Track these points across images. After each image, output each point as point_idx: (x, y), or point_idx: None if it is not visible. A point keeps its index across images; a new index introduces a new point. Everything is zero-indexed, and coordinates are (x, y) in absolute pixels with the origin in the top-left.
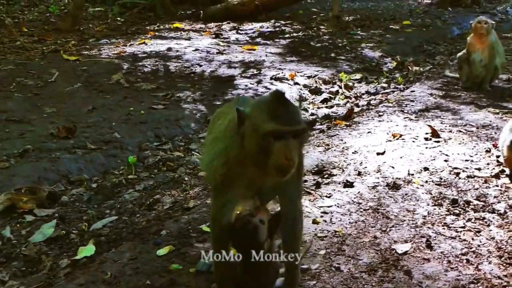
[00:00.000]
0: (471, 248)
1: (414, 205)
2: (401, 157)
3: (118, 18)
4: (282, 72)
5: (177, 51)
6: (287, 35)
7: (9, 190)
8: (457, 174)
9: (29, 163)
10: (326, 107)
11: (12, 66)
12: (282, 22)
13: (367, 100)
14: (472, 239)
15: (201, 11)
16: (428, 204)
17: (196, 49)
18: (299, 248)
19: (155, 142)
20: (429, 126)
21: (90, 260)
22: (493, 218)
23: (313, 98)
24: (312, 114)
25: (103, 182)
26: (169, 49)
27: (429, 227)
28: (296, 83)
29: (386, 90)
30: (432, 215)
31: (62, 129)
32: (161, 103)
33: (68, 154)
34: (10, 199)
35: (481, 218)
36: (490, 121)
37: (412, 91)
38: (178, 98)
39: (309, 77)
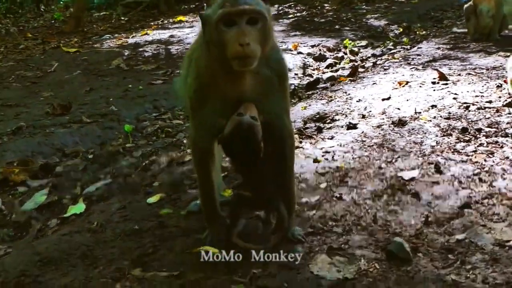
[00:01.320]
0: (483, 168)
1: (421, 138)
2: (407, 100)
3: (122, 18)
4: (285, 45)
5: (179, 37)
6: (290, 15)
7: (0, 165)
8: (467, 107)
9: (22, 139)
10: (331, 71)
11: (13, 63)
12: (286, 5)
13: (373, 62)
14: (485, 160)
15: (205, 4)
16: (436, 136)
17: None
18: (291, 170)
19: (153, 113)
20: (437, 70)
21: (79, 216)
22: (507, 141)
23: (318, 65)
24: (317, 79)
25: (100, 152)
26: (171, 36)
27: (437, 155)
28: (299, 53)
29: (393, 51)
30: (441, 144)
31: (57, 107)
32: (160, 78)
33: (63, 128)
34: (2, 172)
35: (494, 142)
36: (501, 64)
37: (419, 48)
38: (177, 74)
39: (312, 46)
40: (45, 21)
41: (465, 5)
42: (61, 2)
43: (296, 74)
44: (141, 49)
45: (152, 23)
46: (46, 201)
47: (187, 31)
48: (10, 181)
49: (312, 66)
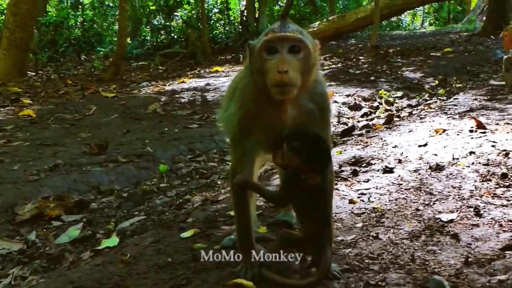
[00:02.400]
0: None
1: (460, 182)
2: (444, 147)
3: (160, 67)
4: None
5: (215, 85)
6: (326, 67)
7: (36, 200)
8: (506, 154)
9: (58, 176)
10: (366, 120)
11: (53, 106)
12: (321, 57)
13: (408, 112)
14: None
15: (241, 55)
16: (475, 181)
17: None
18: (330, 206)
19: (188, 155)
20: (474, 118)
21: (113, 249)
22: None
23: (353, 113)
24: (353, 126)
25: (134, 191)
26: (208, 84)
27: (477, 199)
28: (334, 101)
29: (428, 102)
30: (480, 189)
31: (94, 146)
32: (196, 123)
33: (99, 167)
34: (37, 207)
35: None
36: None
37: (455, 99)
38: (213, 119)
39: (348, 95)
40: (85, 69)
41: (505, 56)
42: (101, 52)
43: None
44: (177, 96)
45: (188, 73)
46: (79, 235)
47: (223, 80)
48: (45, 215)
49: (347, 114)
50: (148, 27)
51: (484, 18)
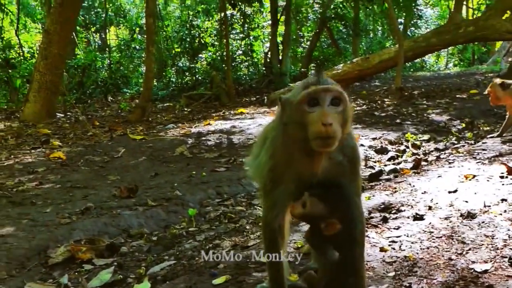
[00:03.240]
0: None
1: (492, 231)
2: (475, 193)
3: (185, 109)
4: None
5: (241, 128)
6: None
7: (68, 243)
8: None
9: (90, 219)
10: (393, 164)
11: (82, 148)
12: None
13: (436, 156)
14: None
15: (265, 97)
16: (508, 230)
17: (260, 124)
18: (362, 257)
19: (216, 199)
20: (505, 164)
21: None
22: None
23: (379, 157)
24: (380, 171)
25: (164, 234)
26: (233, 126)
27: (510, 248)
28: (361, 145)
29: (456, 146)
30: None
31: (124, 189)
32: (223, 166)
33: (129, 210)
34: (69, 250)
35: None
36: None
37: (483, 143)
38: (240, 162)
39: (374, 139)
40: (112, 110)
41: None
42: (127, 94)
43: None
44: (204, 138)
45: (214, 114)
46: (111, 279)
47: (249, 122)
48: (77, 258)
49: (373, 158)
50: (173, 68)
51: (510, 59)
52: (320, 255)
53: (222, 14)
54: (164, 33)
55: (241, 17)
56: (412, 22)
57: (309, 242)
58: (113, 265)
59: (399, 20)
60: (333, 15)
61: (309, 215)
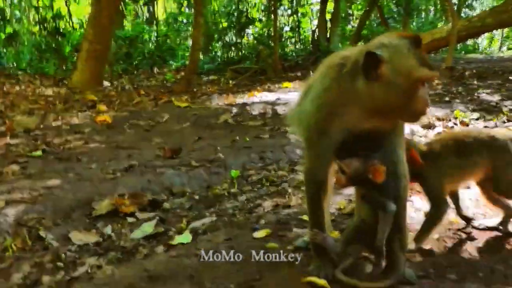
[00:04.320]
0: None
1: None
2: None
3: (230, 82)
4: None
5: (286, 100)
6: None
7: (112, 197)
8: None
9: (133, 176)
10: None
11: (127, 113)
12: None
13: None
14: None
15: (311, 71)
16: None
17: None
18: (404, 210)
19: (259, 164)
20: None
21: (186, 245)
22: None
23: (426, 132)
24: None
25: (205, 194)
26: (278, 98)
27: None
28: None
29: (507, 125)
30: None
31: (168, 150)
32: (267, 133)
33: (172, 170)
34: (113, 203)
35: None
36: None
37: None
38: (284, 131)
39: None
40: (157, 81)
41: None
42: (173, 66)
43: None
44: (248, 108)
45: (259, 87)
46: (153, 232)
47: (293, 95)
48: (120, 211)
49: (420, 133)
50: (219, 43)
51: None
52: (379, 209)
53: None
54: (211, 7)
55: None
56: (466, 3)
57: (366, 200)
58: (155, 219)
59: (453, 0)
60: None
61: (354, 177)
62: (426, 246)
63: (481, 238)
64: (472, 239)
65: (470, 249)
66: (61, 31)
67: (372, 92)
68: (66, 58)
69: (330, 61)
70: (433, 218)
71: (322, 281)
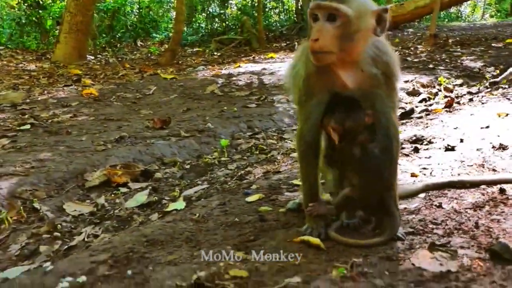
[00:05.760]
0: None
1: None
2: (507, 129)
3: (215, 53)
4: None
5: (271, 70)
6: None
7: (104, 168)
8: None
9: (124, 147)
10: (425, 105)
11: (113, 86)
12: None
13: (469, 98)
14: None
15: (296, 43)
16: None
17: None
18: (395, 170)
19: (248, 133)
20: None
21: (181, 212)
22: None
23: (411, 99)
24: (412, 109)
25: (196, 163)
26: (264, 68)
27: None
28: None
29: (489, 89)
30: None
31: (157, 121)
32: (254, 103)
33: (163, 140)
34: (106, 174)
35: None
36: None
37: None
38: (271, 100)
39: (406, 81)
40: (142, 54)
41: None
42: (156, 39)
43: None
44: (234, 78)
45: (244, 58)
46: (147, 201)
47: (279, 65)
48: (112, 182)
49: (405, 100)
50: (203, 14)
51: None
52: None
53: None
54: None
55: None
56: None
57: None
58: (148, 189)
59: None
60: None
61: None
62: (413, 204)
63: (465, 196)
64: (457, 198)
65: (456, 206)
66: (42, 3)
67: None
68: (48, 31)
69: None
70: None
71: (316, 240)
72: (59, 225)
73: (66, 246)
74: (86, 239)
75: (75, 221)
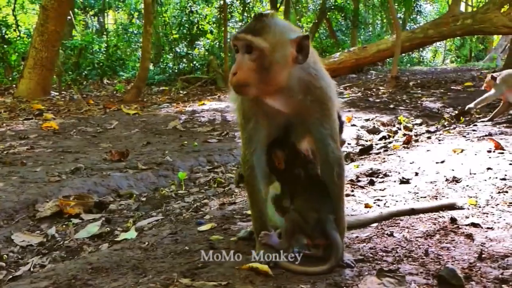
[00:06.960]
0: None
1: (476, 193)
2: (462, 164)
3: (181, 92)
4: None
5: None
6: (345, 96)
7: (57, 199)
8: None
9: (79, 178)
10: (385, 143)
11: (75, 120)
12: (341, 87)
13: (427, 137)
14: None
15: None
16: (491, 192)
17: None
18: (340, 199)
19: (207, 166)
20: (492, 139)
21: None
22: None
23: (371, 137)
24: (371, 146)
25: (153, 195)
26: (227, 106)
27: (492, 207)
28: (353, 125)
29: (447, 128)
30: (496, 199)
31: (115, 153)
32: (215, 138)
33: (119, 172)
34: (58, 205)
35: None
36: None
37: (474, 125)
38: (232, 136)
39: (367, 120)
40: (107, 92)
41: None
42: (123, 77)
43: (349, 143)
44: (197, 115)
45: (209, 97)
46: (98, 232)
47: None
48: (65, 213)
49: (365, 137)
50: (170, 54)
51: (506, 56)
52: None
53: (222, 1)
54: (162, 18)
55: (241, 5)
56: (411, 17)
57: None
58: (101, 220)
59: (398, 15)
60: (333, 6)
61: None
62: (365, 233)
63: (417, 225)
64: (409, 227)
65: (407, 235)
66: (7, 38)
67: None
68: (12, 66)
69: None
70: None
71: (264, 267)
72: (5, 256)
73: (10, 276)
74: (32, 269)
75: (23, 252)
